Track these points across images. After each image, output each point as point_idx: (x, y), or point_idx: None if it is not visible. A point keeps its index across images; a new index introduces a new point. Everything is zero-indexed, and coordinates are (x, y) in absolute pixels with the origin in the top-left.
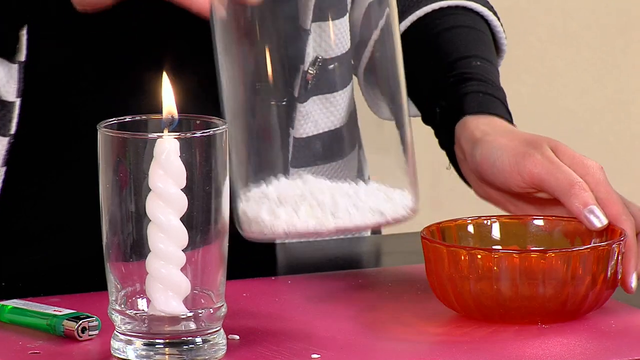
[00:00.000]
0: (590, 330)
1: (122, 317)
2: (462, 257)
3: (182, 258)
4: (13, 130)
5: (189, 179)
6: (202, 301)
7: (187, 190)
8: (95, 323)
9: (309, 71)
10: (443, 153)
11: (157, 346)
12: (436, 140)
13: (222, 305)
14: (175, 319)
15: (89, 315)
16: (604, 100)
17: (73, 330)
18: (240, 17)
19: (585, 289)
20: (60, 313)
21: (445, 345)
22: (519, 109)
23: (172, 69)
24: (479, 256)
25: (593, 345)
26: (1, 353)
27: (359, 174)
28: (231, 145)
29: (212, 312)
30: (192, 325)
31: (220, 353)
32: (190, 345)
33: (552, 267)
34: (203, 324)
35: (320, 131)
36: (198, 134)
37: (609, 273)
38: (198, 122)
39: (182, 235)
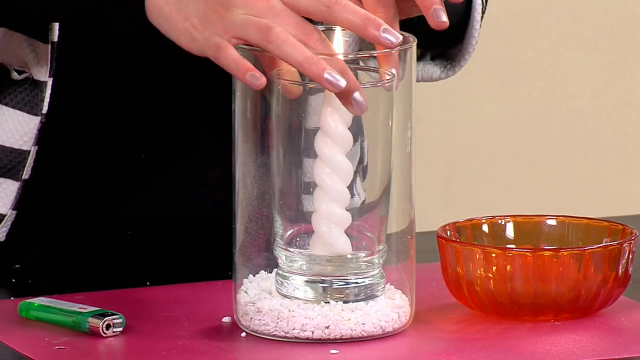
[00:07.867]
0: (602, 327)
1: (287, 253)
2: (477, 256)
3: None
4: (45, 109)
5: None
6: (364, 243)
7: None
8: (119, 320)
9: None
10: (457, 153)
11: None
12: (450, 138)
13: (383, 248)
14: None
15: (114, 312)
16: (615, 101)
17: (98, 327)
18: None
19: (597, 286)
20: (85, 310)
21: (460, 342)
22: (530, 111)
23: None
24: (494, 255)
25: (604, 342)
26: (28, 349)
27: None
28: None
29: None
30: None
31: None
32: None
33: (564, 266)
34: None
35: None
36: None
37: (620, 271)
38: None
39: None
